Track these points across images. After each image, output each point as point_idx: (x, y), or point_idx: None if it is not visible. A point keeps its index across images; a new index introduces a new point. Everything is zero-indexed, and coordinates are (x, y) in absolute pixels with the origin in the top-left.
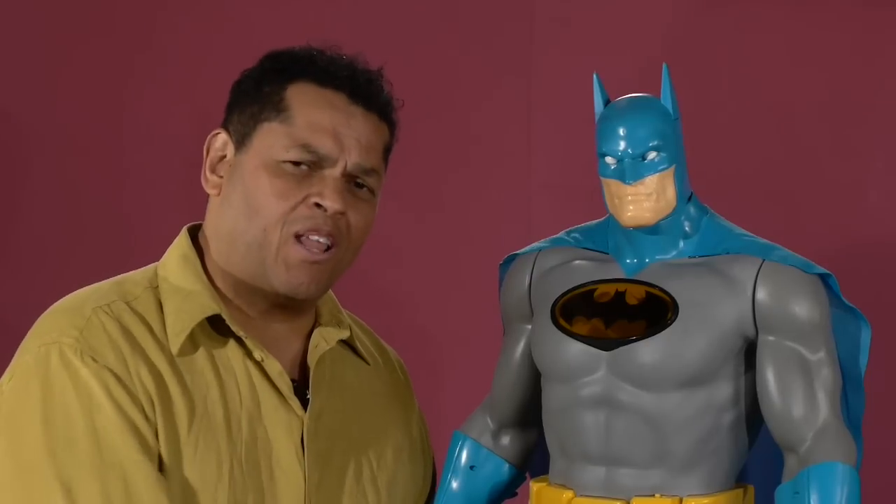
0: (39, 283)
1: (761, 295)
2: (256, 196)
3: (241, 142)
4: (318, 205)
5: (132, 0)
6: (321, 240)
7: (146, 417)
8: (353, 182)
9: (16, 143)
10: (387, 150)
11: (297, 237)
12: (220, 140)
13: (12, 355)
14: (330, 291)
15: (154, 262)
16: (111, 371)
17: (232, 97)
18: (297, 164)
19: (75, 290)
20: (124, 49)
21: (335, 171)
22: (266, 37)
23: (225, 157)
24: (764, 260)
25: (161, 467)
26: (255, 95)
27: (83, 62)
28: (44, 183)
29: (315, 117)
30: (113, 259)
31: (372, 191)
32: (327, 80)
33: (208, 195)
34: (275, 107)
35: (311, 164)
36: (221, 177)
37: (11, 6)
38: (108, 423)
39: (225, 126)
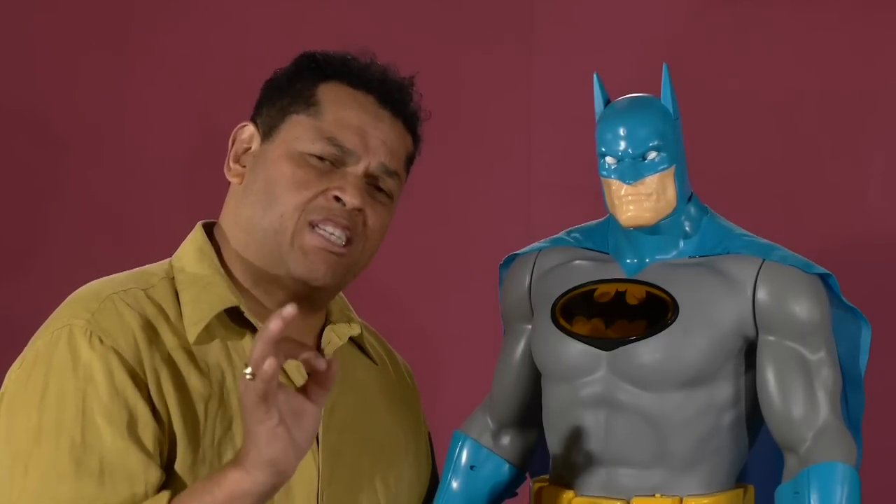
0: (48, 283)
1: (761, 295)
2: (277, 183)
3: (267, 133)
4: (337, 198)
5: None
6: (336, 232)
7: (150, 404)
8: (373, 185)
9: (17, 143)
10: (409, 160)
11: (312, 226)
12: (247, 132)
13: (18, 354)
14: (340, 292)
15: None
16: (117, 353)
17: (263, 93)
18: (320, 158)
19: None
20: (125, 48)
21: (357, 169)
22: (266, 37)
23: (250, 148)
24: (764, 260)
25: (174, 451)
26: (287, 90)
27: (84, 61)
28: (46, 183)
29: (343, 115)
30: (120, 258)
31: (391, 195)
32: (359, 82)
33: (227, 190)
34: (305, 101)
35: (335, 161)
36: (244, 166)
37: (12, 5)
38: (97, 404)
39: (253, 119)
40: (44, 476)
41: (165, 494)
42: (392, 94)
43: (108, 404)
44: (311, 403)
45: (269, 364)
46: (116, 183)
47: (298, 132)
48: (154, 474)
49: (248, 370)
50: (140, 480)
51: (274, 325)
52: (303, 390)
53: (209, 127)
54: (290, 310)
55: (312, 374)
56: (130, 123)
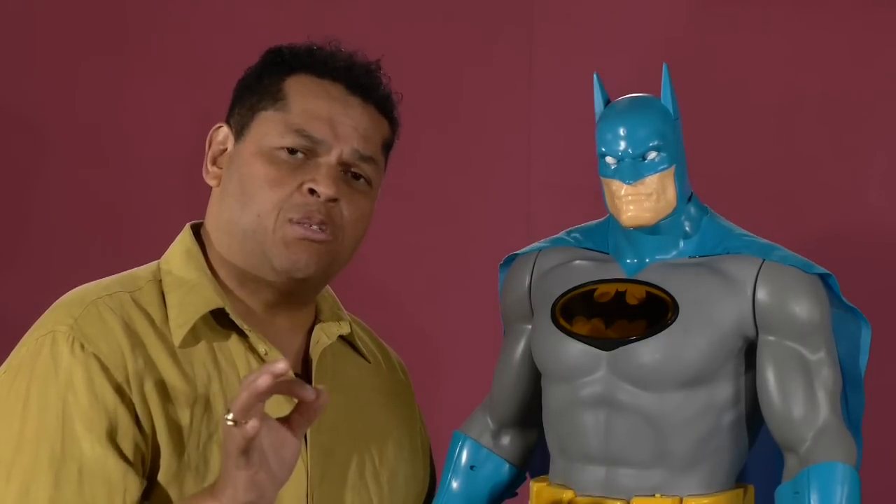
0: (43, 282)
1: (761, 295)
2: (251, 183)
3: (240, 132)
4: (311, 191)
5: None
6: (314, 227)
7: (132, 410)
8: (349, 173)
9: (17, 143)
10: (386, 146)
11: (292, 222)
12: (222, 133)
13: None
14: (330, 289)
15: (156, 260)
16: (98, 360)
17: (234, 93)
18: (292, 151)
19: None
20: (123, 49)
21: (330, 158)
22: (266, 36)
23: (226, 150)
24: (764, 260)
25: (158, 458)
26: (256, 87)
27: (81, 62)
28: (43, 183)
29: (311, 105)
30: (114, 258)
31: (369, 182)
32: (325, 71)
33: (210, 191)
34: (272, 97)
35: (307, 152)
36: (222, 168)
37: (10, 6)
38: (77, 411)
39: (227, 120)
40: (24, 485)
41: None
42: (360, 80)
43: (88, 411)
44: (292, 435)
45: (251, 426)
46: (115, 184)
47: (267, 128)
48: (133, 481)
49: (230, 416)
50: (119, 488)
51: (262, 381)
52: (285, 419)
53: (207, 128)
54: (281, 366)
55: (299, 404)
56: (128, 124)
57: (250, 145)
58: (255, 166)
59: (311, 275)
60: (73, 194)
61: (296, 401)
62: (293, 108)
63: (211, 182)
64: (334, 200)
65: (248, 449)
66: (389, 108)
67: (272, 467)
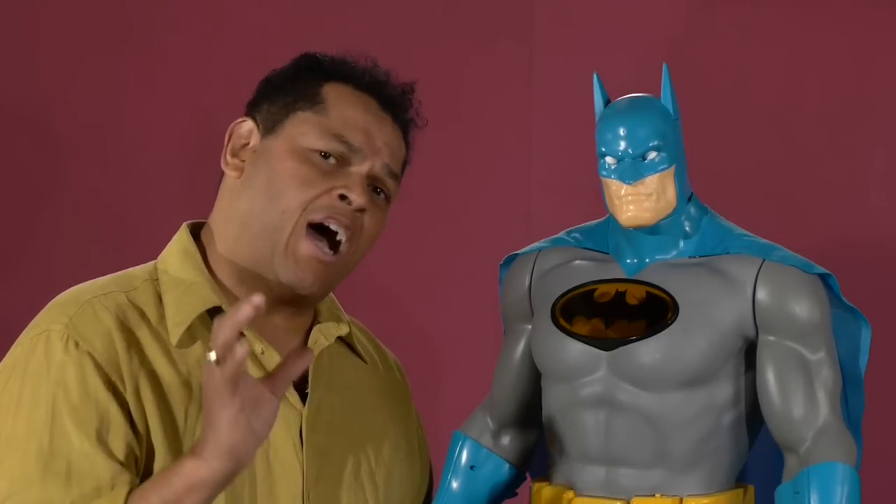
0: (43, 282)
1: (761, 295)
2: (281, 179)
3: (270, 128)
4: (342, 197)
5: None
6: (339, 230)
7: (126, 409)
8: (374, 186)
9: (18, 143)
10: (403, 166)
11: (312, 226)
12: (246, 127)
13: None
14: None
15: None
16: (93, 358)
17: (261, 90)
18: (325, 156)
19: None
20: (124, 49)
21: (362, 169)
22: (266, 38)
23: (248, 144)
24: (764, 260)
25: (153, 458)
26: (290, 88)
27: (83, 61)
28: (44, 183)
29: (349, 114)
30: (115, 258)
31: (388, 198)
32: (362, 84)
33: (216, 188)
34: (310, 99)
35: (340, 159)
36: (244, 161)
37: (12, 5)
38: (68, 407)
39: (251, 115)
40: (12, 481)
41: (125, 486)
42: (394, 99)
43: (79, 408)
44: (270, 393)
45: (240, 351)
46: (115, 183)
47: (304, 129)
48: (123, 479)
49: (213, 355)
50: (107, 485)
51: (243, 312)
52: (264, 379)
53: (208, 127)
54: (258, 299)
55: (280, 365)
56: (129, 124)
57: (283, 143)
58: (288, 163)
59: (314, 292)
60: (73, 194)
61: (290, 397)
62: (332, 113)
63: (231, 173)
64: (362, 211)
65: (234, 379)
66: (409, 131)
67: (251, 421)
